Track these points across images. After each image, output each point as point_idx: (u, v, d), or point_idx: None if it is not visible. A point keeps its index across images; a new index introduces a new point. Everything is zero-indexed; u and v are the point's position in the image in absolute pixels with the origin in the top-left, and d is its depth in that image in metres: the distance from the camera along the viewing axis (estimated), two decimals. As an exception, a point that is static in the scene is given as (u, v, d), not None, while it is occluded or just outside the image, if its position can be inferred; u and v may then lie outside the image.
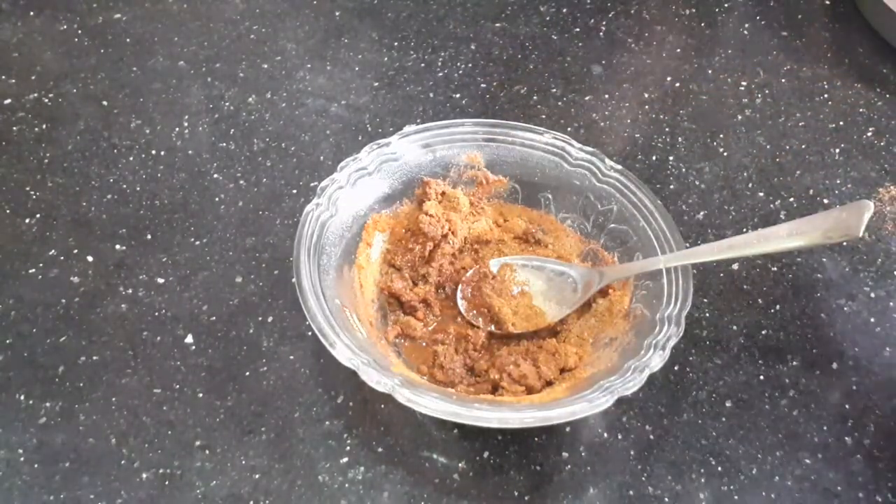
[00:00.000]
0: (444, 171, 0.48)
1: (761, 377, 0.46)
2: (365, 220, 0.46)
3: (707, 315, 0.49)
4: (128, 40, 0.65)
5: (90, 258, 0.50)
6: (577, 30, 0.68)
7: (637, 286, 0.44)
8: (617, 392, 0.36)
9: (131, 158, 0.56)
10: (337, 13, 0.69)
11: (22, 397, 0.43)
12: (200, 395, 0.44)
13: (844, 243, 0.53)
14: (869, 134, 0.61)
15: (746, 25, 0.69)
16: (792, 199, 0.56)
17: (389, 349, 0.43)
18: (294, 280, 0.49)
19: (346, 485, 0.41)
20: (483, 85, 0.63)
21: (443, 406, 0.36)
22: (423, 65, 0.64)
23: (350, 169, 0.45)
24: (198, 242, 0.51)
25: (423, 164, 0.47)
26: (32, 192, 0.53)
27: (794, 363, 0.47)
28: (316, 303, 0.39)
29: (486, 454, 0.42)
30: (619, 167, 0.46)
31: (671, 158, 0.58)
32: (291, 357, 0.45)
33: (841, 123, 0.61)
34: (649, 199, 0.45)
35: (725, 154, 0.59)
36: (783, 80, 0.65)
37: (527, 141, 0.48)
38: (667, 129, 0.60)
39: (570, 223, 0.48)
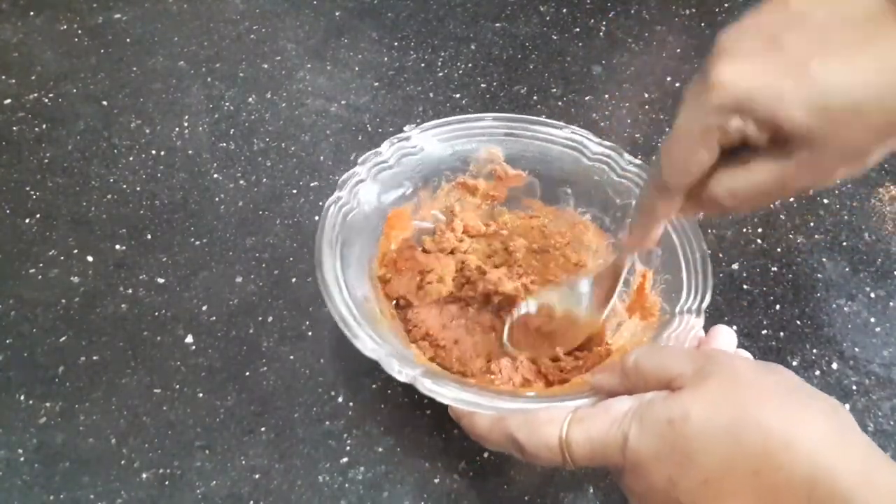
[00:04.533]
0: (463, 166, 0.48)
1: (761, 377, 0.46)
2: (385, 213, 0.46)
3: (707, 315, 0.49)
4: (128, 40, 0.65)
5: (90, 258, 0.50)
6: (577, 30, 0.68)
7: (656, 280, 0.44)
8: None
9: (131, 158, 0.56)
10: (337, 13, 0.69)
11: (22, 397, 0.43)
12: (200, 395, 0.44)
13: (845, 243, 0.53)
14: (869, 134, 0.61)
15: (746, 25, 0.69)
16: (792, 199, 0.56)
17: (410, 341, 0.43)
18: (294, 280, 0.49)
19: (347, 485, 0.41)
20: (483, 85, 0.63)
21: (464, 396, 0.36)
22: (423, 65, 0.64)
23: (371, 162, 0.45)
24: (198, 242, 0.51)
25: (443, 159, 0.47)
26: (32, 192, 0.53)
27: (794, 363, 0.47)
28: (339, 295, 0.39)
29: (486, 454, 0.42)
30: (638, 162, 0.46)
31: (671, 158, 0.58)
32: (291, 357, 0.45)
33: (841, 123, 0.61)
34: None
35: (725, 154, 0.59)
36: (783, 80, 0.65)
37: (545, 135, 0.48)
38: (667, 130, 0.60)
39: (588, 218, 0.48)
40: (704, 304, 0.40)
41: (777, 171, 0.31)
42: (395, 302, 0.46)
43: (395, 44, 0.66)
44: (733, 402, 0.28)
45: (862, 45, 0.29)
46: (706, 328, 0.48)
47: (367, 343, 0.37)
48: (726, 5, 0.71)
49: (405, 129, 0.46)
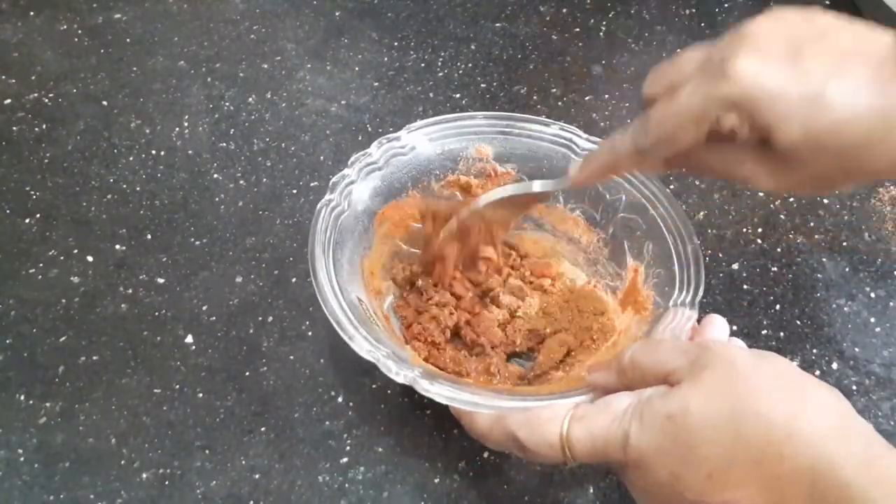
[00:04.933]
0: (452, 165, 0.48)
1: (761, 377, 0.46)
2: (375, 214, 0.46)
3: (707, 314, 0.49)
4: (128, 40, 0.65)
5: (90, 258, 0.50)
6: (577, 30, 0.68)
7: (648, 274, 0.44)
8: None
9: (131, 158, 0.56)
10: (337, 13, 0.69)
11: (22, 397, 0.43)
12: (200, 395, 0.44)
13: (845, 243, 0.53)
14: (869, 134, 0.61)
15: (746, 25, 0.69)
16: (792, 199, 0.56)
17: (404, 342, 0.43)
18: (294, 280, 0.49)
19: (346, 485, 0.41)
20: (483, 85, 0.63)
21: (462, 396, 0.36)
22: (423, 65, 0.64)
23: (360, 164, 0.45)
24: (198, 242, 0.51)
25: (433, 158, 0.47)
26: (32, 192, 0.53)
27: (794, 363, 0.47)
28: (333, 297, 0.39)
29: (485, 454, 0.42)
30: None
31: (671, 158, 0.58)
32: (291, 357, 0.45)
33: (841, 123, 0.61)
34: (657, 188, 0.45)
35: (725, 154, 0.59)
36: (783, 80, 0.65)
37: (534, 133, 0.48)
38: (667, 129, 0.60)
39: (578, 213, 0.48)
40: (698, 298, 0.40)
41: (756, 169, 0.32)
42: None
43: (395, 44, 0.66)
44: (732, 394, 0.28)
45: (877, 84, 0.28)
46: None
47: (364, 345, 0.37)
48: (726, 5, 0.71)
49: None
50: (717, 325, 0.38)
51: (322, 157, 0.57)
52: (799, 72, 0.29)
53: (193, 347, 0.46)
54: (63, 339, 0.46)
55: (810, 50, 0.29)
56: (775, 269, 0.52)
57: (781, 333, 0.48)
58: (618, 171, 0.39)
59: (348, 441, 0.42)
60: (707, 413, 0.28)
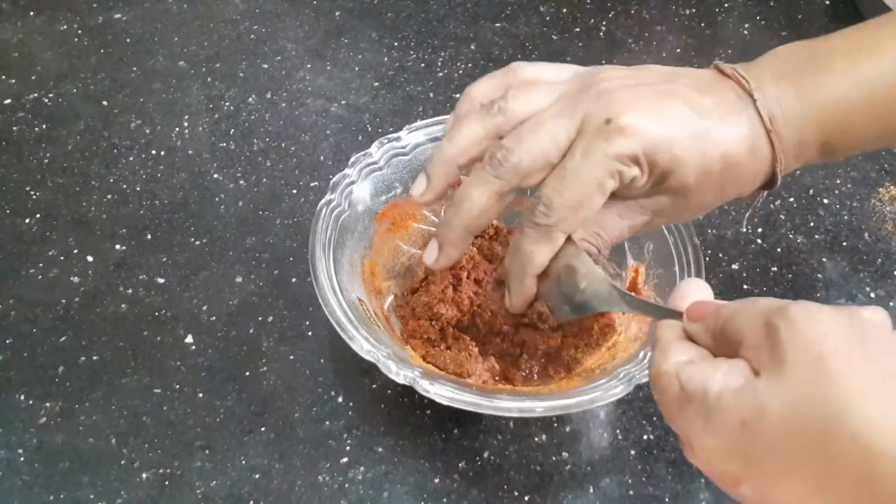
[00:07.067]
0: None
1: (761, 377, 0.46)
2: (376, 214, 0.46)
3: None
4: (128, 40, 0.65)
5: (90, 258, 0.50)
6: (577, 30, 0.68)
7: (648, 275, 0.44)
8: (634, 380, 0.36)
9: (131, 158, 0.56)
10: (337, 13, 0.69)
11: (22, 397, 0.43)
12: (200, 395, 0.44)
13: (845, 243, 0.53)
14: (869, 134, 0.61)
15: (746, 25, 0.69)
16: (792, 199, 0.56)
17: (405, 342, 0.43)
18: (294, 280, 0.49)
19: (346, 485, 0.41)
20: (483, 85, 0.63)
21: (463, 396, 0.36)
22: (423, 65, 0.64)
23: (361, 164, 0.45)
24: (198, 242, 0.51)
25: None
26: (32, 192, 0.53)
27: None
28: (333, 297, 0.39)
29: (486, 454, 0.42)
30: None
31: (671, 158, 0.58)
32: (291, 357, 0.45)
33: (841, 123, 0.61)
34: None
35: (725, 154, 0.59)
36: (783, 80, 0.65)
37: None
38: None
39: None
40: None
41: (653, 215, 0.35)
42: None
43: (395, 44, 0.66)
44: (822, 406, 0.24)
45: (734, 112, 0.33)
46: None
47: (364, 345, 0.37)
48: (726, 5, 0.71)
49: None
50: (697, 293, 0.33)
51: (322, 157, 0.57)
52: (678, 115, 0.32)
53: (193, 347, 0.46)
54: (63, 339, 0.46)
55: (679, 94, 0.33)
56: (775, 269, 0.52)
57: (781, 333, 0.48)
58: (540, 266, 0.36)
59: (348, 441, 0.42)
60: (789, 428, 0.24)
